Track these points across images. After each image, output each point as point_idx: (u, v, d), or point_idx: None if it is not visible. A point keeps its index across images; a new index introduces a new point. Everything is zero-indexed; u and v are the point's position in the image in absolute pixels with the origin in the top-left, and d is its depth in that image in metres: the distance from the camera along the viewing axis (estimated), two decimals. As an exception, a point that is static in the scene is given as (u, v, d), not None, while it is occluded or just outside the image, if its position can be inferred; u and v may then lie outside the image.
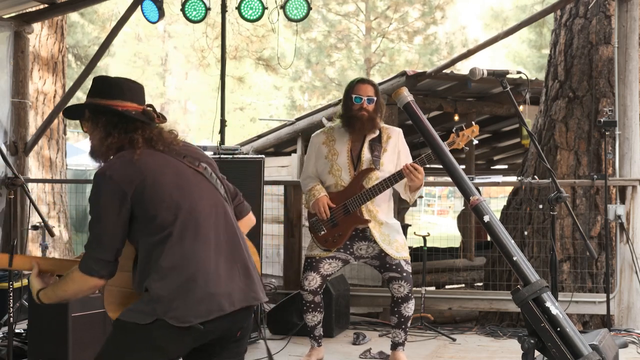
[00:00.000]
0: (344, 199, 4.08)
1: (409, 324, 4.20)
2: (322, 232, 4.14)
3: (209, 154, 3.62)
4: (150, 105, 2.46)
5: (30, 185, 7.19)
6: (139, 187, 2.27)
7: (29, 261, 2.50)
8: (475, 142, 4.04)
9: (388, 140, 4.16)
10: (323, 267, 4.17)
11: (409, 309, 4.14)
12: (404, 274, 4.08)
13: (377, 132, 4.16)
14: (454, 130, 3.98)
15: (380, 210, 4.12)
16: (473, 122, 4.05)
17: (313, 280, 4.16)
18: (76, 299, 2.62)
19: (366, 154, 4.12)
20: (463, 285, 9.15)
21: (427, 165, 4.04)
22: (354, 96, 4.11)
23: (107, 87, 2.45)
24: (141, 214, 2.28)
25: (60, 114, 8.75)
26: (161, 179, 2.31)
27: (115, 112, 2.38)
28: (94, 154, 2.44)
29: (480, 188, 7.67)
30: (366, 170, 4.09)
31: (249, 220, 2.66)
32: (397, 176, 3.96)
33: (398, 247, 4.12)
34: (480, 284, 8.35)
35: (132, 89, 2.46)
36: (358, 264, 4.51)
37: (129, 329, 2.27)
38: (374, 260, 4.17)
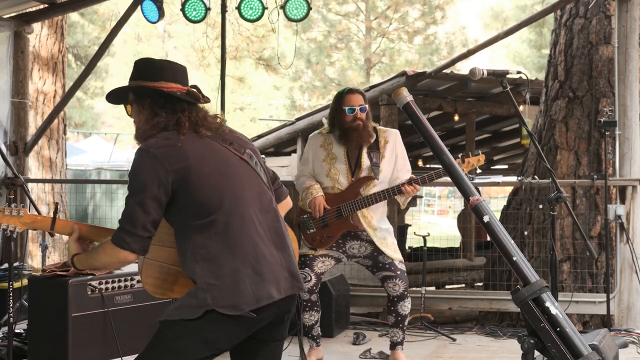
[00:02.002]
0: (339, 202, 4.10)
1: (406, 323, 4.21)
2: (311, 231, 4.15)
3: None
4: (195, 86, 2.45)
5: (30, 185, 7.19)
6: (182, 171, 2.25)
7: (70, 225, 2.49)
8: (479, 170, 4.10)
9: (385, 145, 4.16)
10: (317, 265, 4.18)
11: (406, 307, 4.15)
12: (398, 272, 4.09)
13: (374, 137, 4.16)
14: (459, 156, 4.03)
15: (374, 216, 4.15)
16: (480, 152, 4.09)
17: (308, 279, 4.16)
18: (108, 269, 2.59)
19: (365, 161, 4.12)
20: (463, 285, 9.15)
21: (427, 165, 4.06)
22: (346, 108, 4.08)
23: (150, 69, 2.43)
24: (184, 197, 2.26)
25: (60, 114, 8.77)
26: (206, 164, 2.30)
27: (161, 94, 2.37)
28: (139, 135, 2.40)
29: (480, 188, 7.67)
30: (365, 178, 4.11)
31: (287, 204, 2.72)
32: (396, 190, 4.00)
33: (394, 250, 4.16)
34: (480, 284, 8.35)
35: (175, 71, 2.45)
36: (352, 263, 4.53)
37: (177, 327, 2.23)
38: (366, 259, 4.19)
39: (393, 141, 4.19)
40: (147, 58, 2.51)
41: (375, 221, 4.14)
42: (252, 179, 2.42)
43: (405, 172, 4.17)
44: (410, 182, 3.99)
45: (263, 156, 2.59)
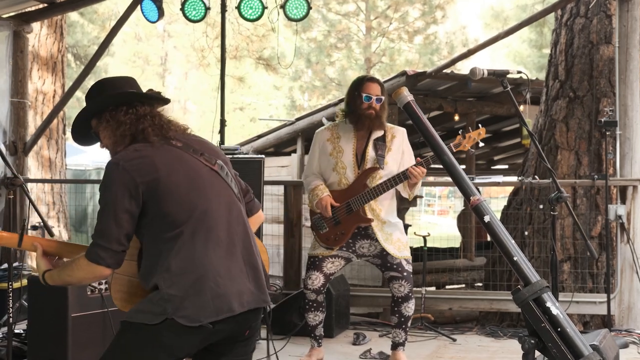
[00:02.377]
0: (347, 197, 4.08)
1: (409, 324, 4.20)
2: (324, 230, 4.14)
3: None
4: (151, 90, 2.45)
5: (29, 185, 7.19)
6: (152, 183, 2.25)
7: (31, 242, 2.49)
8: (481, 144, 4.07)
9: (393, 139, 4.17)
10: (326, 266, 4.17)
11: (409, 308, 4.14)
12: (405, 274, 4.08)
13: (382, 131, 4.16)
14: (460, 132, 4.01)
15: (383, 208, 4.12)
16: (480, 125, 4.06)
17: (317, 280, 4.16)
18: (81, 285, 2.59)
19: (370, 152, 4.11)
20: (463, 285, 9.15)
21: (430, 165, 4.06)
22: (363, 95, 4.09)
23: (100, 88, 2.43)
24: (153, 209, 2.26)
25: (60, 114, 8.76)
26: (176, 176, 2.29)
27: (119, 98, 2.37)
28: (112, 154, 2.39)
29: (481, 188, 7.66)
30: (370, 169, 4.09)
31: (259, 217, 2.66)
32: (402, 176, 3.98)
33: (400, 247, 4.12)
34: (481, 284, 8.34)
35: (126, 81, 2.45)
36: (358, 263, 4.53)
37: (136, 330, 2.26)
38: (375, 258, 4.18)
39: (400, 137, 4.20)
40: (96, 81, 2.51)
41: (384, 214, 4.12)
42: (222, 191, 2.40)
43: None
44: (414, 165, 3.96)
45: (233, 167, 2.58)
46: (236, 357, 2.41)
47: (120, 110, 2.36)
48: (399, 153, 4.16)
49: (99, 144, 2.46)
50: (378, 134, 4.15)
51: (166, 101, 2.45)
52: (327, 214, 4.08)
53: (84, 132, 2.48)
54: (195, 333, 2.23)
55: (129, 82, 2.47)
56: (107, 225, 2.23)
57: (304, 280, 4.25)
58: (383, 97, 4.13)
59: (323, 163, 4.21)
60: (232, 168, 2.52)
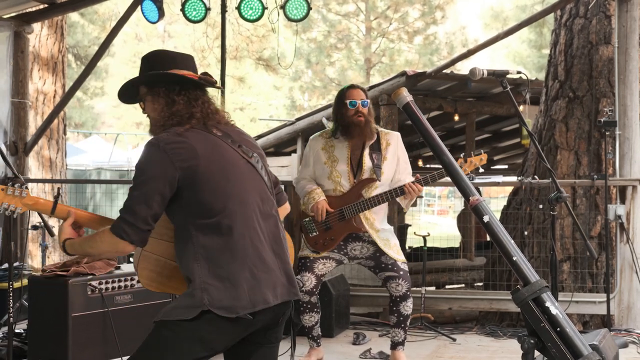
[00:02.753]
0: (342, 204, 4.09)
1: (408, 323, 4.21)
2: (314, 234, 4.15)
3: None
4: (205, 73, 2.45)
5: (30, 185, 7.19)
6: (190, 169, 2.25)
7: (67, 210, 2.49)
8: (481, 170, 4.11)
9: (387, 147, 4.17)
10: (317, 267, 4.17)
11: (408, 307, 4.15)
12: (401, 272, 4.10)
13: (375, 137, 4.16)
14: (461, 156, 4.04)
15: (377, 217, 4.16)
16: (482, 151, 4.11)
17: (308, 281, 4.15)
18: (102, 257, 2.58)
19: (367, 162, 4.12)
20: (463, 285, 9.15)
21: (427, 165, 4.07)
22: (348, 101, 4.10)
23: (160, 59, 2.43)
24: (188, 195, 2.26)
25: (60, 114, 8.76)
26: (214, 166, 2.30)
27: (175, 79, 2.37)
28: (156, 127, 2.39)
29: (480, 188, 7.67)
30: (367, 180, 4.10)
31: (285, 209, 2.69)
32: (399, 191, 4.00)
33: (397, 251, 4.16)
34: (480, 284, 8.35)
35: (185, 59, 2.45)
36: (353, 264, 4.53)
37: (173, 327, 2.23)
38: (368, 260, 4.18)
39: (395, 144, 4.19)
40: (155, 50, 2.51)
41: (378, 223, 4.14)
42: (257, 184, 2.42)
43: (406, 174, 4.18)
44: (412, 182, 3.99)
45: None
46: (268, 344, 2.42)
47: (173, 89, 2.37)
48: (395, 160, 4.17)
49: (140, 108, 2.46)
50: (371, 140, 4.15)
51: (217, 87, 2.47)
52: (320, 217, 4.09)
53: (131, 93, 2.49)
54: (233, 325, 2.22)
55: (188, 61, 2.47)
56: (137, 203, 2.23)
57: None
58: (368, 101, 4.16)
59: (318, 171, 4.22)
60: (266, 161, 2.55)
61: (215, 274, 2.23)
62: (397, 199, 4.10)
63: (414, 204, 10.51)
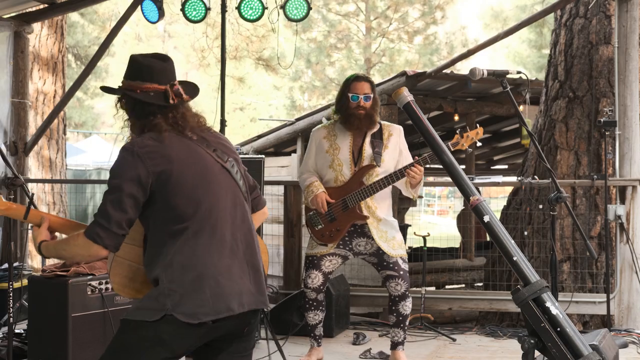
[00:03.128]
0: (344, 194, 4.08)
1: (407, 322, 4.21)
2: (319, 227, 4.15)
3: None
4: (174, 84, 2.42)
5: (30, 185, 7.19)
6: (163, 174, 2.27)
7: (40, 216, 2.51)
8: (479, 144, 4.07)
9: (390, 137, 4.17)
10: (324, 264, 4.18)
11: (407, 307, 4.15)
12: (401, 272, 4.09)
13: (378, 127, 4.17)
14: (457, 131, 4.01)
15: (379, 207, 4.13)
16: (477, 125, 4.07)
17: (316, 278, 4.16)
18: (75, 261, 2.59)
19: (367, 149, 4.12)
20: (463, 285, 9.15)
21: (428, 165, 4.06)
22: (350, 95, 4.12)
23: (132, 68, 2.44)
24: (160, 200, 2.28)
25: (60, 114, 8.76)
26: (187, 170, 2.31)
27: (131, 96, 2.39)
28: (132, 128, 2.44)
29: (480, 188, 7.66)
30: (367, 166, 4.09)
31: (263, 214, 2.68)
32: (399, 174, 3.97)
33: (395, 245, 4.12)
34: (480, 284, 8.35)
35: (155, 70, 2.42)
36: (358, 263, 4.53)
37: (136, 327, 2.27)
38: (372, 257, 4.18)
39: (397, 135, 4.20)
40: (136, 56, 2.49)
41: (380, 212, 4.12)
42: (231, 189, 2.42)
43: None
44: (412, 164, 3.95)
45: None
46: (235, 353, 2.42)
47: (130, 105, 2.40)
48: (396, 151, 4.16)
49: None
50: (373, 129, 4.15)
51: (182, 99, 2.44)
52: (322, 210, 4.08)
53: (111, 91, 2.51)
54: (194, 330, 2.24)
55: (166, 72, 2.43)
56: (111, 207, 2.25)
57: (303, 280, 4.26)
58: (372, 95, 4.15)
59: (320, 161, 4.21)
60: (242, 165, 2.54)
61: (180, 280, 2.24)
62: (402, 188, 4.09)
63: (414, 204, 10.50)
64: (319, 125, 4.33)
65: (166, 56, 2.50)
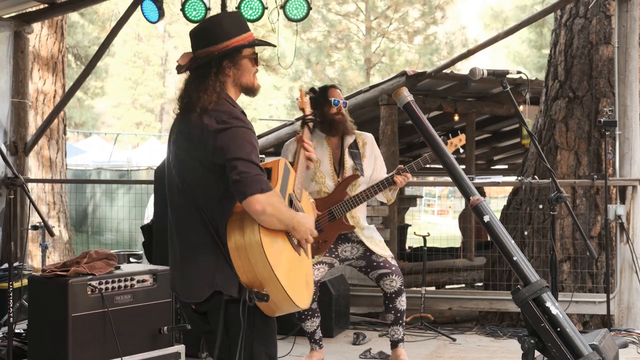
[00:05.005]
0: (329, 205, 4.10)
1: (404, 318, 4.22)
2: None
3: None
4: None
5: (30, 185, 7.19)
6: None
7: None
8: (461, 150, 4.14)
9: (364, 146, 4.25)
10: (313, 274, 4.17)
11: (403, 302, 4.17)
12: (393, 268, 4.13)
13: (353, 137, 4.24)
14: (441, 138, 4.03)
15: (361, 215, 4.20)
16: (459, 132, 4.17)
17: None
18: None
19: (348, 160, 4.18)
20: (463, 285, 9.14)
21: (428, 166, 4.09)
22: (332, 99, 4.17)
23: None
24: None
25: (60, 114, 8.77)
26: None
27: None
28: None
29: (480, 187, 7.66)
30: (351, 177, 4.15)
31: None
32: (386, 182, 4.03)
33: (382, 246, 4.20)
34: (480, 284, 8.34)
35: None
36: (343, 266, 4.54)
37: None
38: (359, 260, 4.20)
39: (371, 143, 4.28)
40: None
41: (362, 221, 4.20)
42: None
43: (383, 173, 4.25)
44: (398, 172, 4.01)
45: None
46: (205, 332, 2.56)
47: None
48: (372, 159, 4.24)
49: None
50: (350, 140, 4.21)
51: None
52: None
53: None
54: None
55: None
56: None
57: None
58: (347, 102, 4.27)
59: None
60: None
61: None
62: (379, 195, 4.13)
63: (414, 204, 10.50)
64: (292, 139, 4.26)
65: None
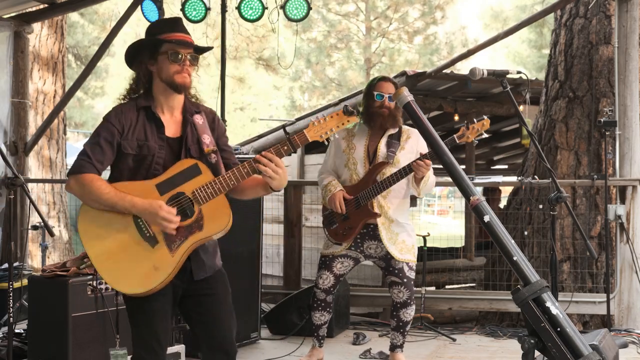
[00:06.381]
0: (356, 192, 4.08)
1: (407, 328, 4.20)
2: (334, 226, 4.15)
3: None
4: None
5: (30, 185, 7.19)
6: None
7: None
8: (485, 135, 4.00)
9: (407, 139, 4.17)
10: (336, 266, 4.17)
11: (408, 314, 4.14)
12: (405, 280, 4.08)
13: (397, 129, 4.17)
14: (464, 123, 3.97)
15: (391, 206, 4.11)
16: (485, 116, 3.99)
17: (327, 279, 4.17)
18: None
19: (382, 149, 4.12)
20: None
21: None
22: (375, 93, 4.12)
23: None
24: None
25: (60, 114, 8.76)
26: None
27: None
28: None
29: (480, 188, 7.66)
30: (380, 164, 4.09)
31: None
32: (407, 169, 3.95)
33: (403, 249, 4.10)
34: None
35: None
36: (365, 263, 4.51)
37: None
38: (381, 261, 4.17)
39: (415, 139, 4.17)
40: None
41: (393, 213, 4.11)
42: None
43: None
44: (419, 158, 3.94)
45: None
46: None
47: None
48: (412, 153, 4.12)
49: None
50: (392, 131, 4.15)
51: None
52: (338, 209, 4.07)
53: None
54: None
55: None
56: None
57: (315, 279, 4.25)
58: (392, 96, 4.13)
59: (337, 160, 4.24)
60: None
61: None
62: (411, 188, 4.10)
63: (414, 204, 10.49)
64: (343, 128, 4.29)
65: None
